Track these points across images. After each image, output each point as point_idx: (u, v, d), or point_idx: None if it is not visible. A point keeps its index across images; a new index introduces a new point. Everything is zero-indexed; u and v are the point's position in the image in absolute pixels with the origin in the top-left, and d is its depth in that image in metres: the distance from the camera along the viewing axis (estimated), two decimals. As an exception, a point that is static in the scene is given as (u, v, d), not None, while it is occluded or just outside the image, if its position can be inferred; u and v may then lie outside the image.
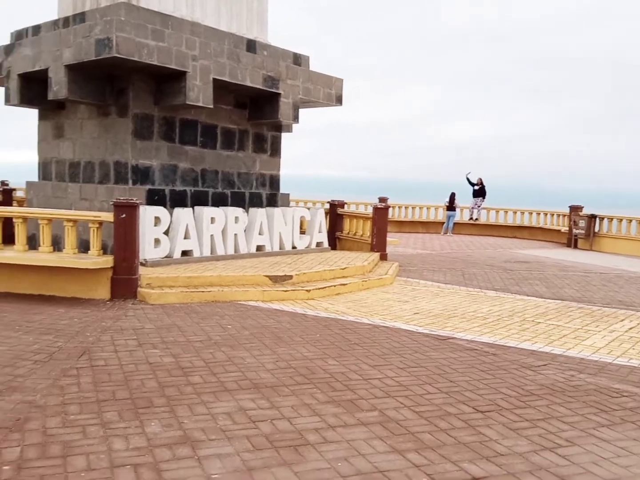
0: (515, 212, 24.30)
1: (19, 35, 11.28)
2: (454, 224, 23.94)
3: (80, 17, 10.35)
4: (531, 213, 23.94)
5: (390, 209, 23.14)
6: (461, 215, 24.92)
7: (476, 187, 24.65)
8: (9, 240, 8.88)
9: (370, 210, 13.51)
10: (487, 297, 9.58)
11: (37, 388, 4.53)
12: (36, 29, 11.05)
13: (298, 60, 12.55)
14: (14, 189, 13.72)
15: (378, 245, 12.79)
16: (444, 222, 24.15)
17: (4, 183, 14.67)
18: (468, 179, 24.70)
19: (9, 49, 10.80)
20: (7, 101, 10.87)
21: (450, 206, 23.54)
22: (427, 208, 25.33)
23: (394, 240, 14.25)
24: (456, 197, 23.53)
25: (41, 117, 11.82)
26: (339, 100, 13.16)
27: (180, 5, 10.79)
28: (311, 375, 5.14)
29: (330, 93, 12.92)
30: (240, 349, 5.88)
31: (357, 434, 3.92)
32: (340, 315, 7.69)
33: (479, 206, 24.75)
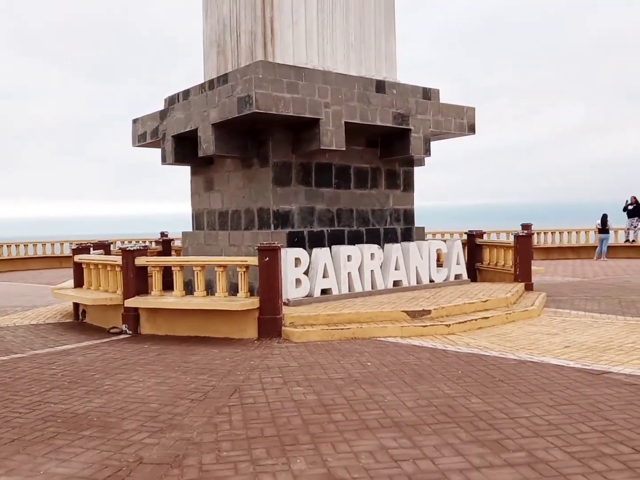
0: (679, 231, 22.07)
1: (171, 100, 12.55)
2: (608, 247, 22.27)
3: (224, 79, 11.30)
4: (699, 231, 21.61)
5: (535, 236, 22.12)
6: (615, 238, 23.12)
7: (630, 207, 22.82)
8: (168, 286, 9.75)
9: (512, 238, 13.02)
10: (649, 327, 8.78)
11: (194, 426, 4.91)
12: (186, 93, 12.23)
13: (428, 94, 12.62)
14: (172, 240, 15.08)
15: (522, 275, 12.26)
16: (596, 246, 22.55)
17: (163, 234, 16.15)
18: (625, 207, 22.93)
19: (163, 114, 12.04)
20: (164, 161, 12.07)
21: (603, 228, 22.00)
22: (577, 232, 23.85)
23: (539, 269, 13.58)
24: (608, 218, 21.95)
25: (193, 173, 12.96)
26: (471, 129, 12.99)
27: (313, 57, 11.40)
28: (453, 413, 5.05)
29: (462, 123, 12.80)
30: (381, 386, 5.94)
31: (504, 475, 3.80)
32: (483, 351, 7.47)
33: (635, 227, 22.84)
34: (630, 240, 22.99)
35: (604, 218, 21.90)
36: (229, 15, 11.68)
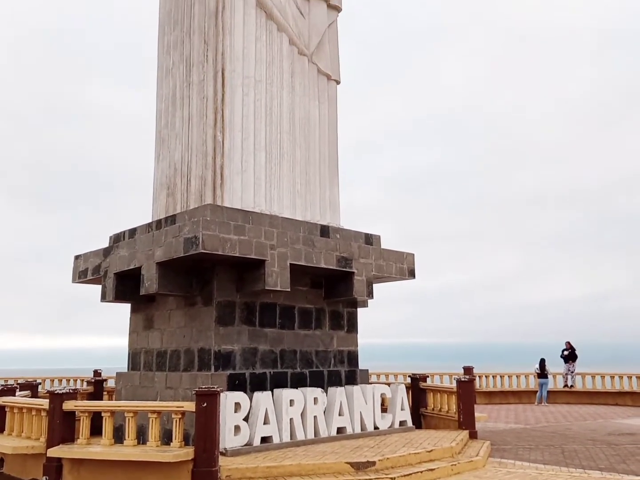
0: (613, 377, 22.56)
1: (116, 238, 12.54)
2: (548, 392, 22.48)
3: (171, 219, 11.48)
4: (630, 377, 22.15)
5: (477, 379, 22.15)
6: (555, 383, 23.44)
7: (566, 352, 23.44)
8: (98, 431, 9.08)
9: (455, 382, 12.98)
10: (593, 480, 8.68)
11: None
12: (132, 231, 12.28)
13: (370, 240, 13.13)
14: (105, 380, 14.35)
15: (466, 422, 12.09)
16: (536, 391, 22.73)
17: (96, 372, 15.39)
18: (562, 354, 23.53)
19: (107, 252, 11.98)
20: (103, 298, 11.80)
21: (542, 373, 22.31)
22: (517, 376, 24.04)
23: (482, 415, 13.46)
24: (546, 363, 22.37)
25: (133, 310, 12.66)
26: (411, 274, 13.43)
27: (260, 202, 11.83)
28: None
29: (402, 268, 13.25)
30: None
31: None
32: (429, 507, 7.13)
33: (572, 372, 23.29)
34: (569, 385, 23.28)
35: (542, 363, 22.28)
36: (180, 160, 12.15)
